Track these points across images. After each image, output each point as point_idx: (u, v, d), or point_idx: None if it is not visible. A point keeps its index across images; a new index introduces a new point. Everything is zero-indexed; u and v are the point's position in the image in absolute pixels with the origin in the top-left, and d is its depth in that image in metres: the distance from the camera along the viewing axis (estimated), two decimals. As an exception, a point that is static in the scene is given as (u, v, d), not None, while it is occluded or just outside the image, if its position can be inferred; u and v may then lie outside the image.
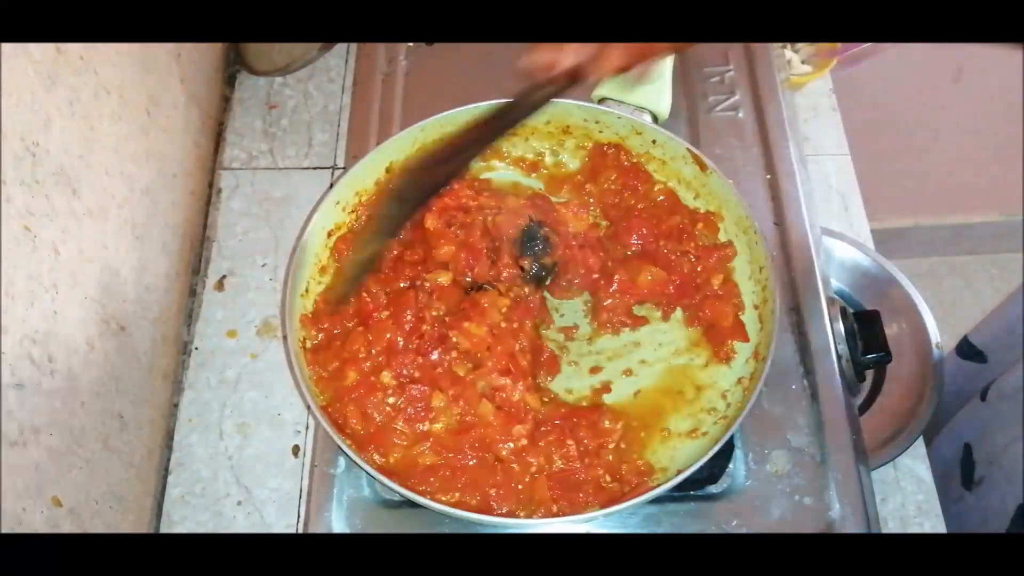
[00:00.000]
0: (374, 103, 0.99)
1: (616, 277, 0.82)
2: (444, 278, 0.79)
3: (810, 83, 1.14)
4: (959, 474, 1.01)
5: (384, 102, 1.00)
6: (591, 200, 0.89)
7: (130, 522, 0.80)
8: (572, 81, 0.70)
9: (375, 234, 0.78)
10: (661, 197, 0.88)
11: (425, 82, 1.01)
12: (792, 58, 1.15)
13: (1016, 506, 0.89)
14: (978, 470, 0.98)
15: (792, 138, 0.94)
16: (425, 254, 0.82)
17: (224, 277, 0.98)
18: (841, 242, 1.03)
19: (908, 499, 0.88)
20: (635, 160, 0.88)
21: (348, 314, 0.79)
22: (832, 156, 1.09)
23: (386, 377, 0.73)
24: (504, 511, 0.71)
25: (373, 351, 0.75)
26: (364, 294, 0.79)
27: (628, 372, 0.80)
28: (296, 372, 0.74)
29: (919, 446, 0.92)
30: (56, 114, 0.70)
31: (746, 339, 0.79)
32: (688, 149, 0.85)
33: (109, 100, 0.79)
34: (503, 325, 0.76)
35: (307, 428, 0.89)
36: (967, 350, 1.13)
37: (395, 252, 0.82)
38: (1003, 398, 0.96)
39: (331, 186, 0.86)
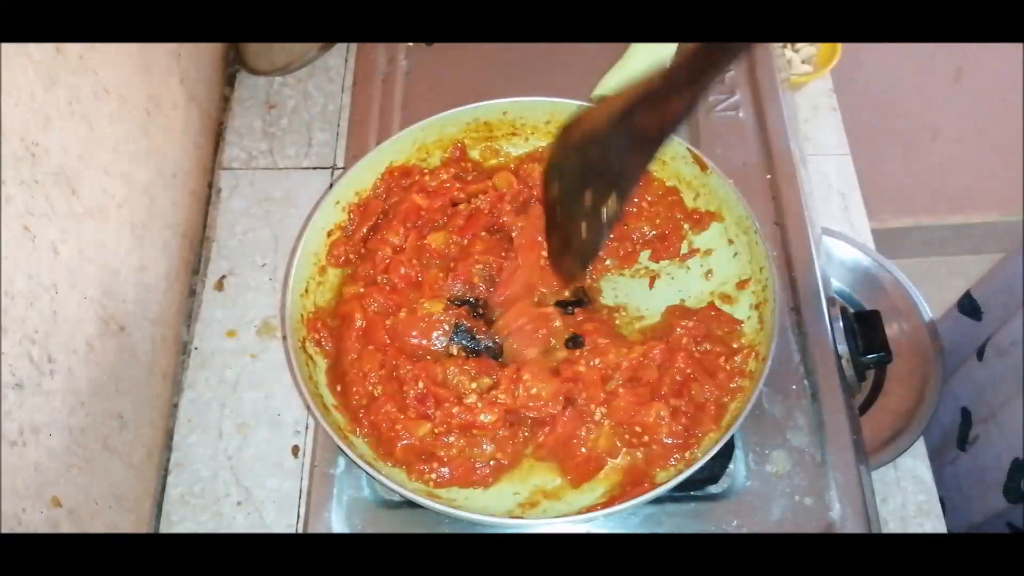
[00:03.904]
0: (374, 103, 1.00)
1: None
2: (436, 307, 0.79)
3: (810, 83, 1.14)
4: (956, 437, 1.01)
5: (384, 102, 1.00)
6: None
7: (130, 522, 0.80)
8: None
9: (612, 196, 0.70)
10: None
11: (425, 82, 1.01)
12: (792, 58, 1.15)
13: (1012, 460, 0.89)
14: (973, 429, 0.98)
15: (792, 138, 0.94)
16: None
17: (224, 277, 0.98)
18: (841, 242, 1.03)
19: (908, 499, 0.88)
20: None
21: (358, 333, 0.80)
22: (832, 156, 1.09)
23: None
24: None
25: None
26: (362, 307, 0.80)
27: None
28: (296, 372, 0.74)
29: (919, 446, 0.92)
30: (56, 114, 0.70)
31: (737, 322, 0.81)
32: (688, 149, 0.85)
33: (109, 100, 0.79)
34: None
35: (307, 428, 0.89)
36: (967, 305, 1.12)
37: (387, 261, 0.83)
38: (1000, 354, 0.96)
39: (331, 186, 0.86)
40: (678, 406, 0.74)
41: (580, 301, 0.82)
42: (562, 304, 0.81)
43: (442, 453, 0.73)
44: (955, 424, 1.02)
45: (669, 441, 0.73)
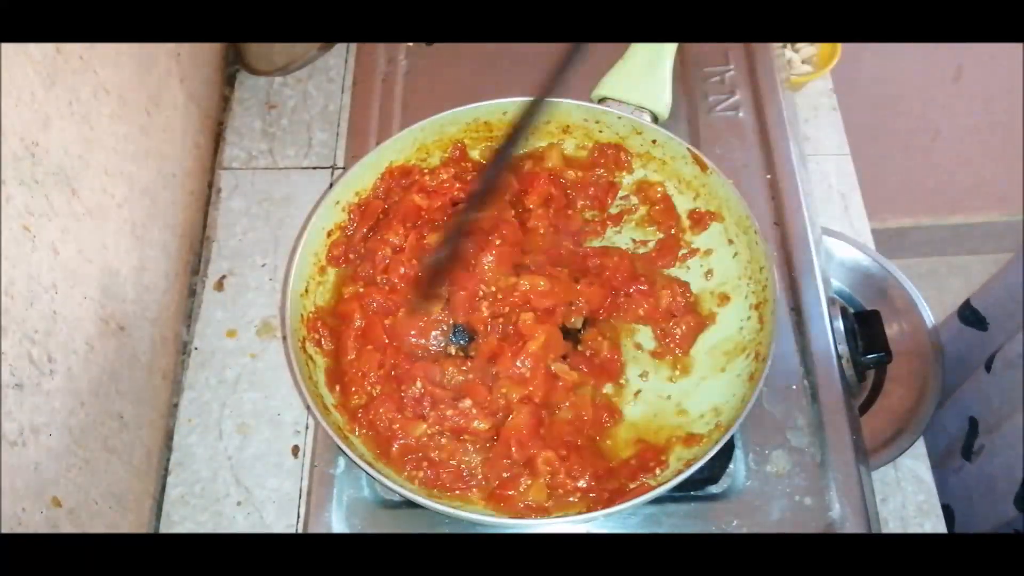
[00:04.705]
0: (374, 103, 0.99)
1: None
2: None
3: (810, 83, 1.14)
4: (961, 446, 1.01)
5: (384, 102, 0.99)
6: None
7: (130, 522, 0.80)
8: None
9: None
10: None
11: (425, 82, 1.01)
12: (792, 58, 1.15)
13: None
14: (979, 440, 0.98)
15: (792, 138, 0.94)
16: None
17: (224, 277, 0.98)
18: (841, 242, 1.03)
19: (908, 499, 0.88)
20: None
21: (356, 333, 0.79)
22: (832, 156, 1.09)
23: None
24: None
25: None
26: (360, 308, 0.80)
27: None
28: (296, 372, 0.74)
29: (919, 446, 0.92)
30: (56, 114, 0.70)
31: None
32: (688, 149, 0.85)
33: (109, 100, 0.79)
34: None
35: (307, 428, 0.89)
36: (969, 315, 1.12)
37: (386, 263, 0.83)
38: (1008, 366, 0.96)
39: (331, 186, 0.86)
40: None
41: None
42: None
43: (434, 455, 0.73)
44: (962, 433, 1.01)
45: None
